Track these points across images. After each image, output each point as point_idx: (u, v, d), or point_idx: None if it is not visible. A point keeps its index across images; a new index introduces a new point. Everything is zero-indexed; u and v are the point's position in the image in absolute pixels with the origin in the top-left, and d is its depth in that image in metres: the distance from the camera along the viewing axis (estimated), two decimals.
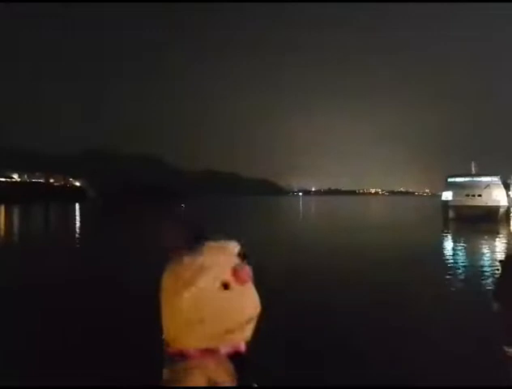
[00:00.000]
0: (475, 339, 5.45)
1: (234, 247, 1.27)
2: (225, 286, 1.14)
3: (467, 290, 8.61)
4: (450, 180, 35.18)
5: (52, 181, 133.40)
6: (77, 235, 21.33)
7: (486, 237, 18.43)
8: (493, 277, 9.60)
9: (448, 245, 17.27)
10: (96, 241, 17.97)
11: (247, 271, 1.19)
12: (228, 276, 1.16)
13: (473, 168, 36.85)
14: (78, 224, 30.17)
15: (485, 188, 31.84)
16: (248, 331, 1.20)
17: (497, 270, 9.76)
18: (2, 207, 51.94)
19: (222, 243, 1.23)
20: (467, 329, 5.96)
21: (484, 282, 9.14)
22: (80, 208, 56.51)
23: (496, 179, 32.87)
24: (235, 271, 1.18)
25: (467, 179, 34.39)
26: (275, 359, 4.36)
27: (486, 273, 10.16)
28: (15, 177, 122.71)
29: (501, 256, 13.23)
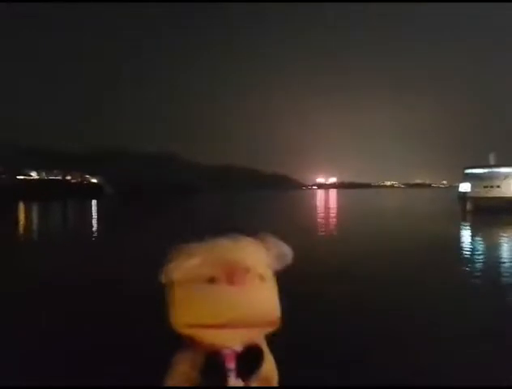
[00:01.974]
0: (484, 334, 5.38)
1: (241, 244, 1.28)
2: (211, 280, 1.21)
3: (485, 283, 8.49)
4: (467, 171, 34.49)
5: (69, 178, 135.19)
6: (95, 233, 21.58)
7: (505, 229, 18.10)
8: None
9: (466, 237, 17.02)
10: (114, 239, 18.13)
11: (238, 273, 1.19)
12: (216, 272, 1.19)
13: (491, 159, 36.03)
14: (95, 221, 30.56)
15: (504, 179, 31.12)
16: (226, 336, 1.20)
17: None
18: (21, 205, 52.91)
19: (224, 240, 1.26)
20: (476, 323, 5.89)
21: (502, 277, 8.99)
22: (98, 205, 57.20)
23: None
24: (225, 269, 1.20)
25: (485, 170, 33.65)
26: None
27: (505, 267, 9.99)
28: (33, 174, 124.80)
29: None
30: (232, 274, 1.18)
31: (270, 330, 1.27)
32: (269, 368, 1.34)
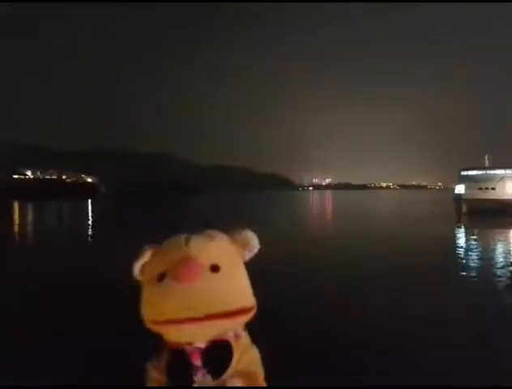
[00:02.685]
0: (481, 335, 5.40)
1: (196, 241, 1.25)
2: (160, 278, 1.20)
3: (481, 286, 8.49)
4: (462, 173, 34.68)
5: (64, 177, 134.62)
6: (90, 232, 21.44)
7: (499, 231, 18.14)
8: (508, 273, 9.48)
9: (461, 240, 17.03)
10: (110, 239, 18.01)
11: (187, 269, 1.15)
12: (165, 269, 1.19)
13: (487, 161, 36.23)
14: (91, 220, 30.38)
15: (499, 181, 31.25)
16: (189, 331, 1.16)
17: None
18: (16, 204, 52.59)
19: (181, 236, 1.27)
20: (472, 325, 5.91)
21: (498, 280, 9.00)
22: (93, 204, 56.94)
23: (510, 172, 32.19)
24: (173, 266, 1.18)
25: (480, 172, 33.83)
26: None
27: (500, 270, 9.99)
28: (29, 173, 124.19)
29: None
30: (178, 269, 1.15)
31: (243, 320, 1.23)
32: (251, 361, 1.29)
